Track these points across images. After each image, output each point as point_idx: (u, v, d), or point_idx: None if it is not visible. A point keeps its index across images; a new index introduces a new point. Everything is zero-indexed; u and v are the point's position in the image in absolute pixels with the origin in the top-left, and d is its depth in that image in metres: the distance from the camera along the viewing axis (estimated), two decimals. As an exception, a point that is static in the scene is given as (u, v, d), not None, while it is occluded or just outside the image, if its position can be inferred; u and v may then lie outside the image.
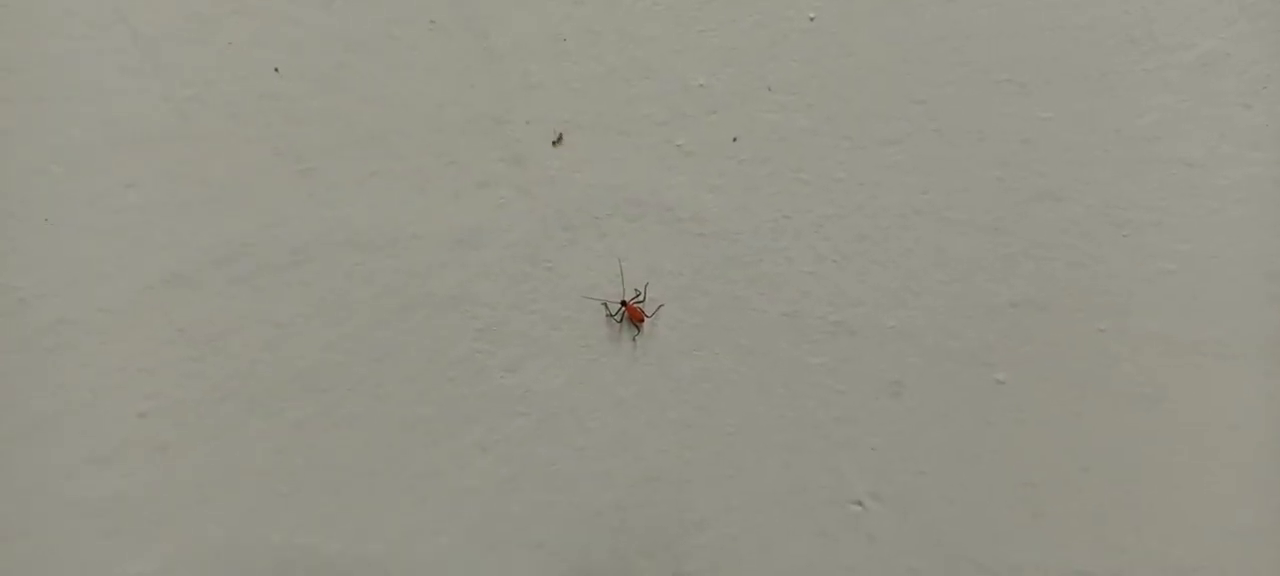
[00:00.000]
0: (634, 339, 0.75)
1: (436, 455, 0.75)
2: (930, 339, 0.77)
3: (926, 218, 0.76)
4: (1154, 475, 0.79)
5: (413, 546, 0.75)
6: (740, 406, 0.77)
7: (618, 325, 0.75)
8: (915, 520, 0.79)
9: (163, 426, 0.73)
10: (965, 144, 0.76)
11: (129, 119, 0.71)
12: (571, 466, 0.76)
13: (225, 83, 0.71)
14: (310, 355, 0.73)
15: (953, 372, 0.78)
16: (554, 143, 0.72)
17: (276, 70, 0.70)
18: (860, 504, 0.78)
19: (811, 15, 0.74)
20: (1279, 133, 0.76)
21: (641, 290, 0.75)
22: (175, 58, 0.70)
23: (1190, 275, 0.78)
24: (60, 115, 0.70)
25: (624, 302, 0.74)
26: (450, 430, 0.75)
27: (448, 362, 0.75)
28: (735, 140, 0.75)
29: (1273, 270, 0.78)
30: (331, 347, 0.74)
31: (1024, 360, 0.78)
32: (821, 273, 0.77)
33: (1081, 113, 0.76)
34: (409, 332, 0.74)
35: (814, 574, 0.78)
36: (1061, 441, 0.78)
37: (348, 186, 0.73)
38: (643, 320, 0.75)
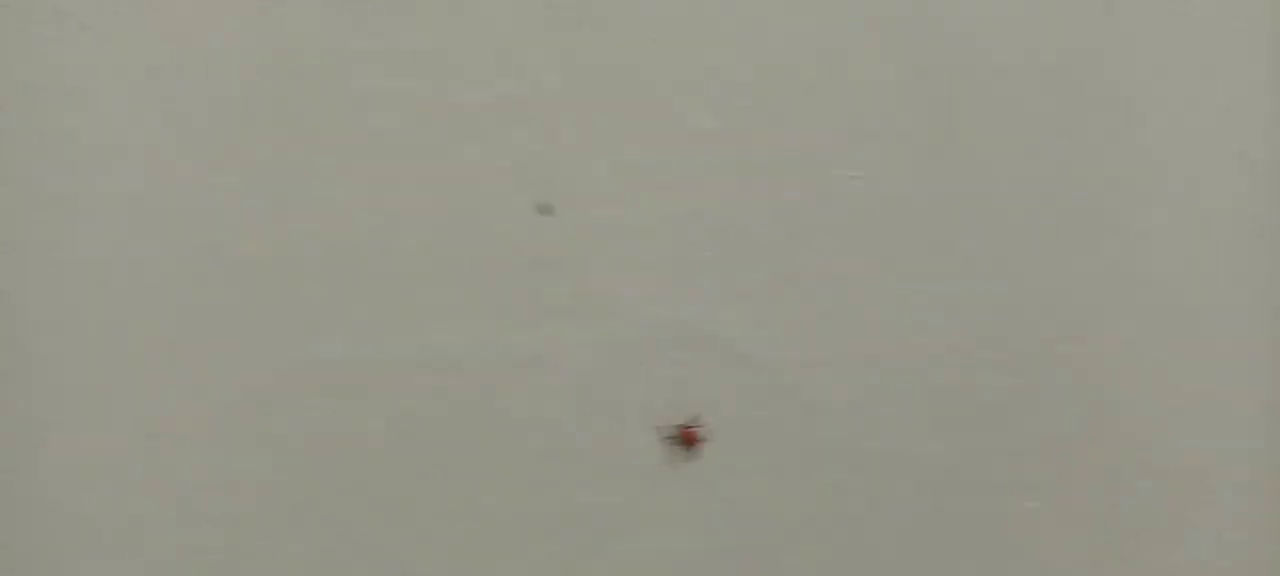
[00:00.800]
0: (688, 462, 0.79)
1: (499, 568, 0.78)
2: (964, 468, 0.81)
3: (964, 357, 0.81)
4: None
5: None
6: (784, 529, 0.80)
7: (673, 448, 0.79)
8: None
9: (247, 529, 0.77)
10: (1001, 291, 0.81)
11: (240, 247, 0.77)
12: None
13: (331, 219, 0.77)
14: (385, 468, 0.77)
15: (986, 500, 0.81)
16: (542, 210, 0.77)
17: (380, 211, 0.77)
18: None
19: (857, 173, 0.79)
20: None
21: (697, 416, 0.79)
22: (284, 196, 0.77)
23: (1208, 413, 0.81)
24: (175, 242, 0.76)
25: (681, 427, 0.78)
26: (513, 545, 0.78)
27: (513, 479, 0.78)
28: (789, 281, 0.80)
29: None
30: (406, 462, 0.78)
31: (1055, 489, 0.81)
32: (862, 404, 0.81)
33: (1108, 260, 0.80)
34: (478, 450, 0.78)
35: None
36: (1094, 569, 0.81)
37: (432, 313, 0.77)
38: (697, 444, 0.79)
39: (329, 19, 0.77)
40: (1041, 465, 0.81)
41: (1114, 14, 0.81)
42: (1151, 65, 0.81)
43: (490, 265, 0.78)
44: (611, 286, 0.79)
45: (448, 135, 0.78)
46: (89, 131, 0.75)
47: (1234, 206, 0.82)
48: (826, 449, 0.80)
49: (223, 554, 0.77)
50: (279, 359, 0.77)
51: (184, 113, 0.76)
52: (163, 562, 0.77)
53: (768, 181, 0.80)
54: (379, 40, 0.77)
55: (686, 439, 0.79)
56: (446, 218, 0.78)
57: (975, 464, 0.81)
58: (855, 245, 0.80)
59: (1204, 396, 0.82)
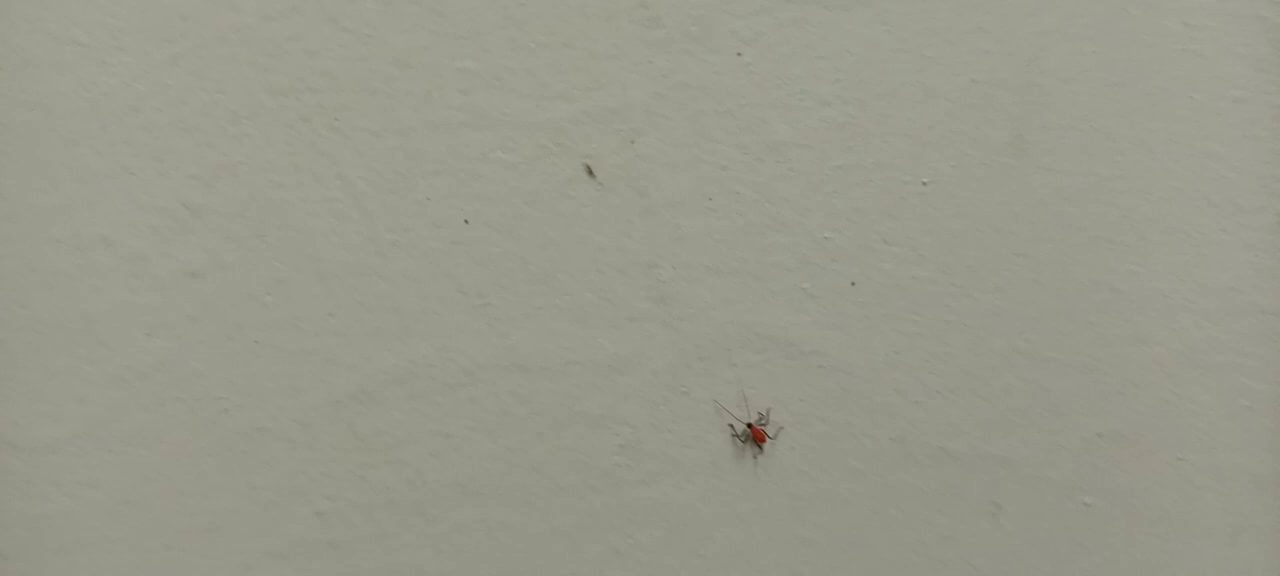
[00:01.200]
0: (756, 458, 0.82)
1: (577, 561, 0.81)
2: (1025, 465, 0.82)
3: (1024, 357, 0.82)
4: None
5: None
6: (852, 524, 0.82)
7: (742, 445, 0.82)
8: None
9: (336, 526, 0.80)
10: (1061, 293, 0.82)
11: (336, 257, 0.80)
12: (697, 575, 0.82)
13: (421, 230, 0.80)
14: (471, 465, 0.81)
15: (1046, 496, 0.82)
16: (590, 172, 0.79)
17: (466, 222, 0.80)
18: (961, 617, 0.83)
19: (925, 181, 0.82)
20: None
21: (764, 414, 0.82)
22: (379, 208, 0.80)
23: (1269, 413, 0.83)
24: (272, 253, 0.80)
25: (749, 425, 0.81)
26: (591, 537, 0.81)
27: (592, 475, 0.81)
28: (854, 285, 0.82)
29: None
30: (490, 459, 0.81)
31: (1111, 487, 0.82)
32: (928, 404, 0.83)
33: (1168, 268, 0.82)
34: (559, 448, 0.81)
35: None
36: (1148, 564, 0.82)
37: (517, 318, 0.81)
38: (764, 441, 0.82)
39: (419, 32, 0.80)
40: (1102, 464, 0.82)
41: (1177, 25, 0.83)
42: (1216, 76, 0.83)
43: (571, 271, 0.81)
44: (689, 291, 0.81)
45: (533, 146, 0.81)
46: (179, 147, 0.79)
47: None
48: (891, 447, 0.82)
49: (309, 551, 0.80)
50: (366, 363, 0.80)
51: (275, 122, 0.79)
52: (251, 561, 0.80)
53: (839, 189, 0.82)
54: (471, 57, 0.80)
55: (755, 436, 0.81)
56: (529, 226, 0.81)
57: (1037, 462, 0.82)
58: (923, 250, 0.82)
59: (1266, 397, 0.83)
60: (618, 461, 0.82)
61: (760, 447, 0.82)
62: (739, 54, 0.82)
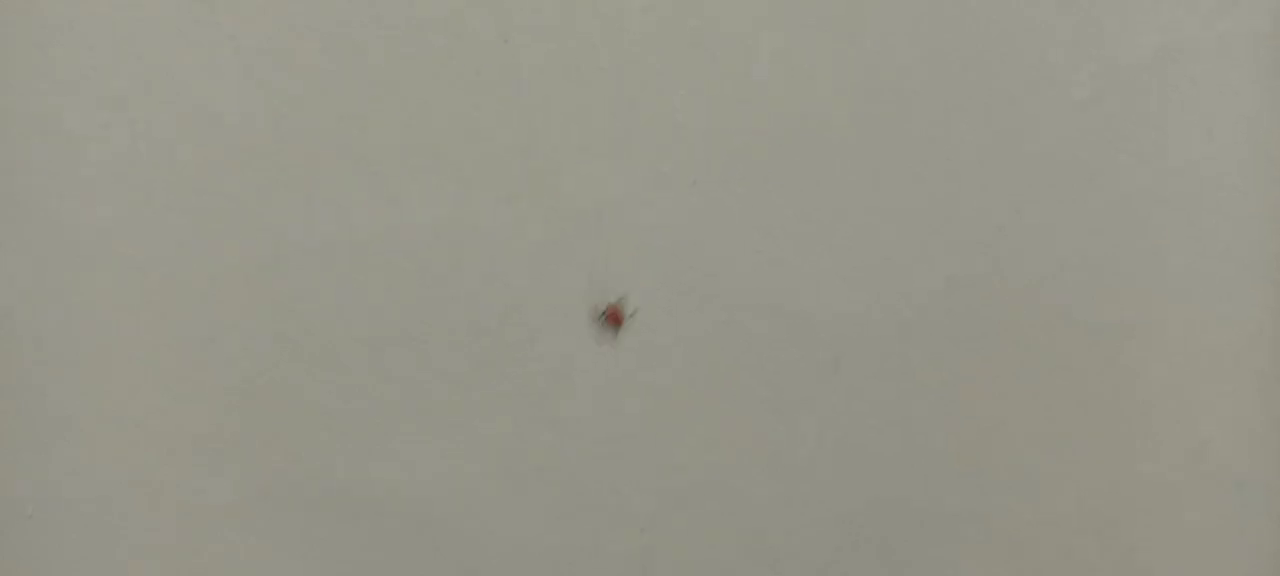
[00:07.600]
0: (617, 330, 0.88)
1: (467, 407, 0.87)
2: (863, 321, 0.87)
3: (858, 216, 0.86)
4: (1052, 432, 0.88)
5: (445, 478, 0.89)
6: (703, 380, 0.88)
7: (602, 325, 0.87)
8: (853, 474, 0.88)
9: (247, 375, 0.86)
10: (889, 152, 0.85)
11: (233, 136, 0.84)
12: (571, 418, 0.89)
13: (310, 112, 0.84)
14: (373, 325, 0.86)
15: (883, 350, 0.87)
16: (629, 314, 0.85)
17: (361, 109, 0.84)
18: (806, 459, 0.89)
19: (760, 77, 0.84)
20: (1134, 161, 0.86)
21: (621, 299, 0.86)
22: (276, 84, 0.84)
23: (1082, 267, 0.87)
24: (158, 125, 0.83)
25: (609, 307, 0.86)
26: (479, 387, 0.87)
27: (478, 336, 0.87)
28: (693, 184, 0.86)
29: (1144, 267, 0.86)
30: (391, 320, 0.86)
31: (942, 337, 0.87)
32: (771, 273, 0.87)
33: (985, 138, 0.84)
34: (450, 312, 0.86)
35: (766, 517, 0.88)
36: (976, 404, 0.88)
37: (411, 195, 0.85)
38: (621, 323, 0.87)
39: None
40: (939, 318, 0.87)
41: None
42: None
43: (455, 153, 0.85)
44: (559, 174, 0.86)
45: (419, 39, 0.84)
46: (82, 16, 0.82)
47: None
48: (738, 313, 0.87)
49: (226, 398, 0.87)
50: (277, 235, 0.85)
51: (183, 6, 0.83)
52: (185, 396, 0.87)
53: (691, 87, 0.85)
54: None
55: (612, 318, 0.87)
56: (417, 113, 0.84)
57: (874, 317, 0.87)
58: (758, 134, 0.85)
59: (1101, 245, 0.87)
60: (500, 324, 0.87)
61: (618, 329, 0.87)
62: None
